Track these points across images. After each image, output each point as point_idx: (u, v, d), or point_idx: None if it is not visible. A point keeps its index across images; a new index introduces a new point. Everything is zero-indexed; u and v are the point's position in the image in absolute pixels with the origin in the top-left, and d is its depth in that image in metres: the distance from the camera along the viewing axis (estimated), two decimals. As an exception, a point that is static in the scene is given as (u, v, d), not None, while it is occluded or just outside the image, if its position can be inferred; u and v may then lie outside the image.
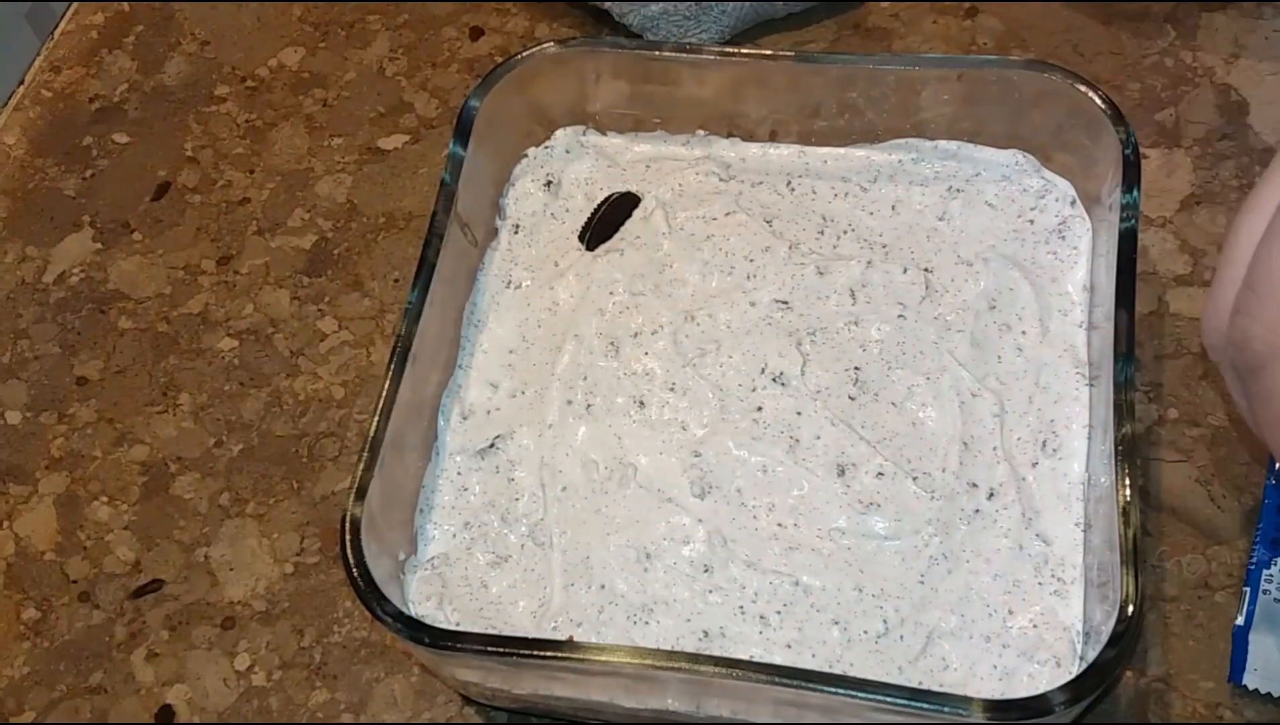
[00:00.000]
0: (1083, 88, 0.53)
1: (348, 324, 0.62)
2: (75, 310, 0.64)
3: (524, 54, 0.57)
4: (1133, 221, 0.50)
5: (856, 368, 0.53)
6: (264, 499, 0.58)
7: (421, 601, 0.50)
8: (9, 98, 0.72)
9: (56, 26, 0.75)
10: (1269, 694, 0.48)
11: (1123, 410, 0.47)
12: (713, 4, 0.65)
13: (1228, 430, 0.54)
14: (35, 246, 0.67)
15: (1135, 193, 0.51)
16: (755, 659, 0.47)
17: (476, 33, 0.70)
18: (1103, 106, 0.53)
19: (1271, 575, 0.49)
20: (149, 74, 0.72)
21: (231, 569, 0.56)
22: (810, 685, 0.42)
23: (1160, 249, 0.59)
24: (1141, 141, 0.62)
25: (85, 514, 0.58)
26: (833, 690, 0.42)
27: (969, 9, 0.67)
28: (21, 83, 0.73)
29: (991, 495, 0.50)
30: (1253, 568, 0.49)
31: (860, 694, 0.42)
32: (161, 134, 0.70)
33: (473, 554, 0.51)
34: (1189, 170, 0.61)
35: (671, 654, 0.45)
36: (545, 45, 0.58)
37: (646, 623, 0.49)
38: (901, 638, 0.47)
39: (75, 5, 0.75)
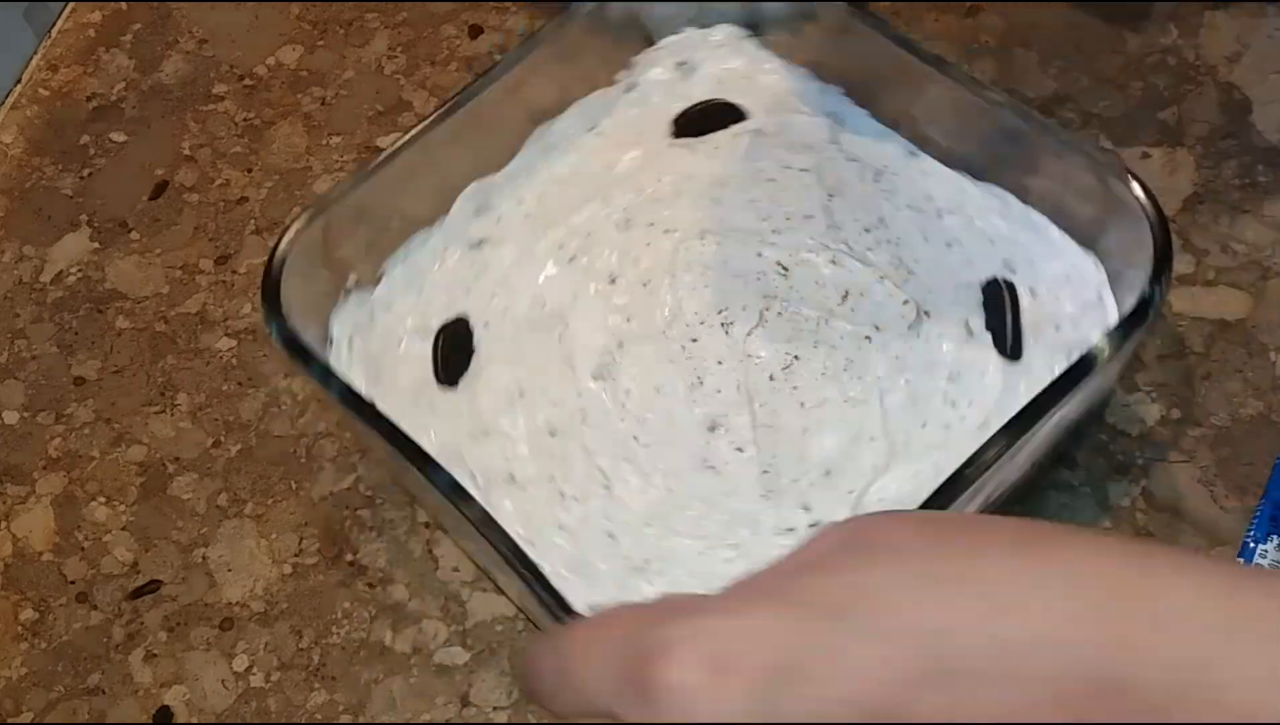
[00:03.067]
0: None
1: (346, 323, 0.62)
2: (73, 310, 0.64)
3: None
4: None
5: (795, 357, 0.53)
6: (262, 499, 0.57)
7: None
8: (6, 96, 0.72)
9: (54, 25, 0.74)
10: None
11: None
12: (713, 2, 0.65)
13: (1230, 430, 0.54)
14: (32, 246, 0.66)
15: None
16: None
17: (476, 31, 0.70)
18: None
19: (1266, 550, 0.50)
20: (146, 72, 0.72)
21: (230, 570, 0.56)
22: None
23: (1162, 248, 0.59)
24: (1144, 141, 0.62)
25: (83, 514, 0.58)
26: None
27: (970, 7, 0.67)
28: (18, 81, 0.72)
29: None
30: (1248, 541, 0.50)
31: None
32: (159, 133, 0.69)
33: None
34: (1191, 169, 0.61)
35: None
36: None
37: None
38: None
39: (72, 4, 0.75)
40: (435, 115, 0.53)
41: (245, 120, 0.69)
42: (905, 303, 0.53)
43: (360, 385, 0.50)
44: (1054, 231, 0.53)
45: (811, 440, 0.51)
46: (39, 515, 0.58)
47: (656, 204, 0.57)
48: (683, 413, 0.52)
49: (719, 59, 0.60)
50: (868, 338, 0.53)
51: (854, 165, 0.57)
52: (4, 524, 0.58)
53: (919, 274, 0.54)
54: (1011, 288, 0.52)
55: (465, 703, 0.52)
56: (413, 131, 0.52)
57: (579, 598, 0.42)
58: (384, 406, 0.47)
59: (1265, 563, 0.49)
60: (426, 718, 0.52)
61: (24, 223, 0.67)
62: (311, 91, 0.70)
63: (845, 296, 0.54)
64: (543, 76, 0.56)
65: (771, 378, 0.52)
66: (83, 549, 0.57)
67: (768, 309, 0.54)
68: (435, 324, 0.54)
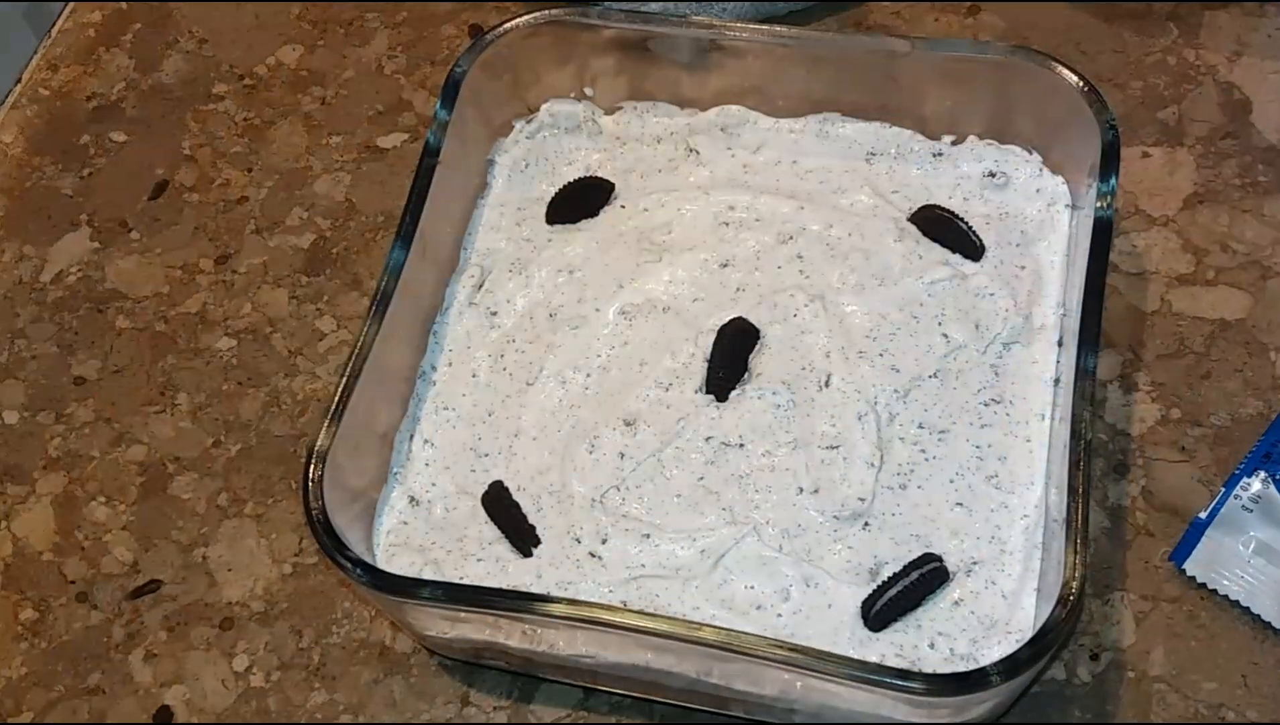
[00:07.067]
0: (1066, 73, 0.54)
1: (346, 323, 0.62)
2: (73, 310, 0.64)
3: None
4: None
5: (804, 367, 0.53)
6: (262, 499, 0.57)
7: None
8: (6, 96, 0.72)
9: (54, 25, 0.74)
10: (1203, 584, 0.51)
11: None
12: (713, 3, 0.65)
13: (1230, 429, 0.54)
14: (33, 246, 0.66)
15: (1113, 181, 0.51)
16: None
17: (476, 30, 0.70)
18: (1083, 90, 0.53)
19: (1249, 483, 0.51)
20: (147, 72, 0.72)
21: (230, 569, 0.56)
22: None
23: (1163, 248, 0.59)
24: (1144, 140, 0.62)
25: (83, 514, 0.58)
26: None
27: (970, 7, 0.67)
28: (19, 81, 0.72)
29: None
30: (1236, 473, 0.52)
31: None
32: (159, 132, 0.69)
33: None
34: (1191, 169, 0.61)
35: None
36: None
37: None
38: None
39: (72, 4, 0.75)
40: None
41: (245, 120, 0.69)
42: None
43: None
44: None
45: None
46: (39, 515, 0.58)
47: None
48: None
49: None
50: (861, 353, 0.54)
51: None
52: (4, 524, 0.58)
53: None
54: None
55: (465, 703, 0.52)
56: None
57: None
58: None
59: (1245, 495, 0.51)
60: (426, 718, 0.52)
61: (24, 222, 0.67)
62: (311, 91, 0.70)
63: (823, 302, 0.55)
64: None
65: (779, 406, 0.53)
66: (83, 549, 0.57)
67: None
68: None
